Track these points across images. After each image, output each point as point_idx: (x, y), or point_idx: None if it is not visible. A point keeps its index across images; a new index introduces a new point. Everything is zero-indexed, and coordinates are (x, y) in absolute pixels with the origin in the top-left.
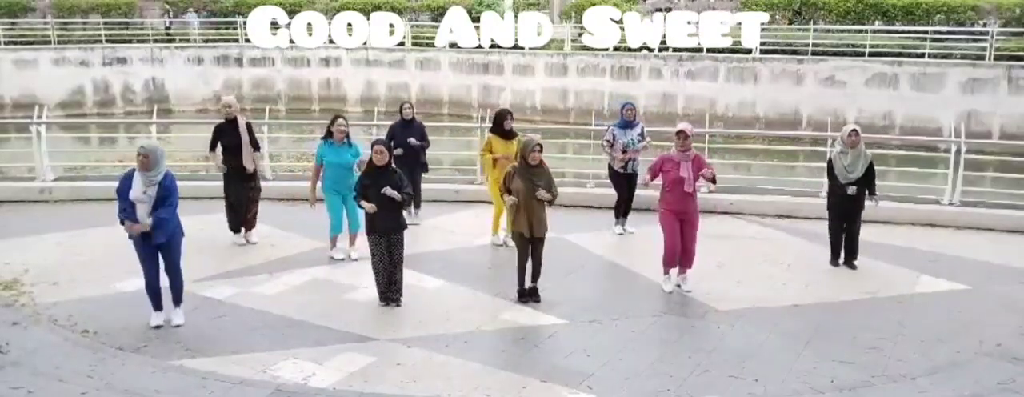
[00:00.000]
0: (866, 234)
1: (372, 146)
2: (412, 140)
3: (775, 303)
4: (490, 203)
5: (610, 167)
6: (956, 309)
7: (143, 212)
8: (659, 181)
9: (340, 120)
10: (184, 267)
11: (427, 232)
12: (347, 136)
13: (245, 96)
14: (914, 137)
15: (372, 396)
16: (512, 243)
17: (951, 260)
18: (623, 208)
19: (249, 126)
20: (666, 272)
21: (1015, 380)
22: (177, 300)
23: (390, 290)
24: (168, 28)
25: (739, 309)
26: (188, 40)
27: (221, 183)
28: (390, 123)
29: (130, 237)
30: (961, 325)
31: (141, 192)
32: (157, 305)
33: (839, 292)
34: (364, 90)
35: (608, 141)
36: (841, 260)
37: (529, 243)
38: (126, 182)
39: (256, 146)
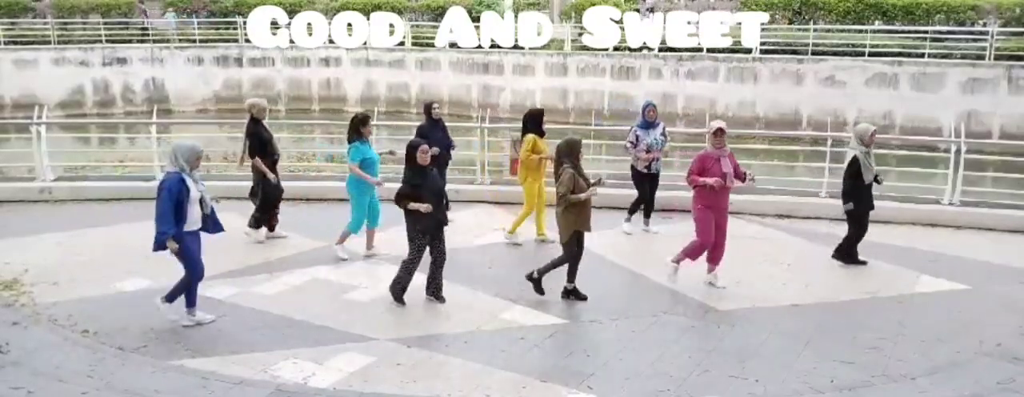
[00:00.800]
0: (867, 234)
1: (417, 148)
2: (452, 144)
3: (775, 303)
4: (492, 203)
5: (633, 167)
6: (956, 309)
7: (196, 211)
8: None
9: (369, 119)
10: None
11: None
12: None
13: (245, 96)
14: (914, 137)
15: (372, 396)
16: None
17: (951, 260)
18: (646, 209)
19: None
20: (686, 259)
21: (1015, 380)
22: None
23: (431, 288)
24: (143, 29)
25: (739, 309)
26: (183, 40)
27: (222, 183)
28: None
29: (172, 249)
30: (961, 325)
31: (197, 191)
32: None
33: (839, 292)
34: (364, 90)
35: (631, 142)
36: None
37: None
38: (181, 185)
39: None
